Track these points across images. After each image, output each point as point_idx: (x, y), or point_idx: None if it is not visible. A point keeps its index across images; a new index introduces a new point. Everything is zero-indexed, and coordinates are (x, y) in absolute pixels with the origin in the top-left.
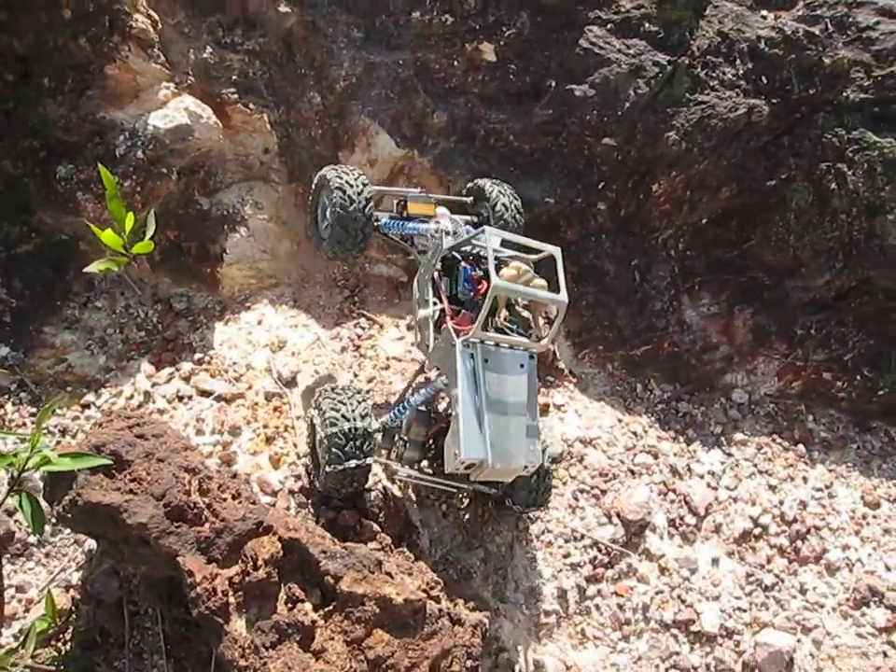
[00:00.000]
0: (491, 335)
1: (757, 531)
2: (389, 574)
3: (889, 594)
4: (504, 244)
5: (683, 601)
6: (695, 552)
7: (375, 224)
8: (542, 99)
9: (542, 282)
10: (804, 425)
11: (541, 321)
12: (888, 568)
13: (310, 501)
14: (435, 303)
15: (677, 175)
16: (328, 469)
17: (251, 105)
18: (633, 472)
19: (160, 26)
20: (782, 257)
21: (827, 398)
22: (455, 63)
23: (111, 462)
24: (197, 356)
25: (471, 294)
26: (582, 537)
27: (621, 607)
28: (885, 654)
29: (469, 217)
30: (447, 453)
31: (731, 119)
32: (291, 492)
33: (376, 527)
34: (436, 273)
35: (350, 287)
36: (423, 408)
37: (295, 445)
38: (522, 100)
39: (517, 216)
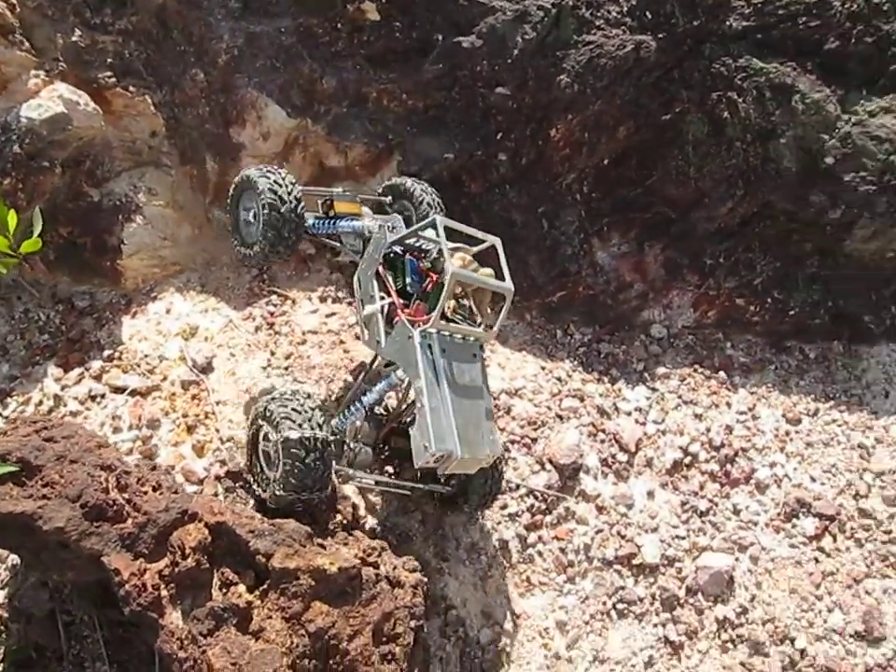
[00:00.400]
0: (447, 325)
1: (687, 460)
2: (322, 545)
3: (815, 503)
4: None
5: (623, 537)
6: (630, 487)
7: (304, 225)
8: (430, 54)
9: (489, 270)
10: (723, 352)
11: (487, 310)
12: (813, 479)
13: (237, 484)
14: (382, 298)
15: (573, 118)
16: (283, 492)
17: (131, 88)
18: (561, 417)
19: (17, 9)
20: (684, 189)
21: (742, 323)
22: (339, 25)
23: (18, 469)
24: (106, 353)
25: (420, 286)
26: (518, 487)
27: (563, 550)
28: (816, 560)
29: (393, 216)
30: (415, 447)
31: (620, 57)
32: (218, 477)
33: None
34: (380, 268)
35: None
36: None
37: (217, 431)
38: (410, 57)
39: (441, 211)
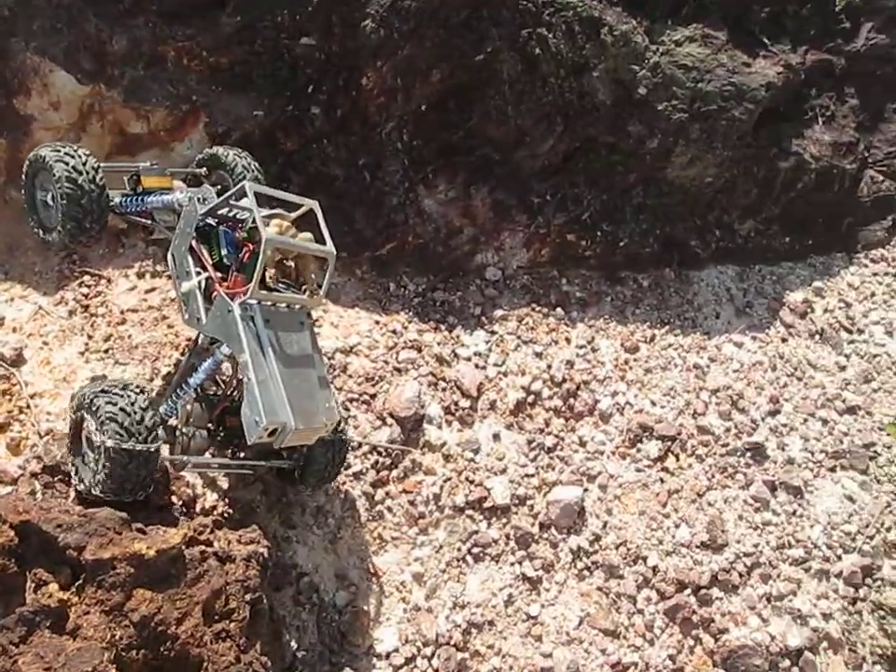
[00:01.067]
0: (268, 295)
1: (531, 399)
2: (141, 530)
3: (657, 426)
4: (259, 202)
5: (472, 482)
6: (475, 432)
7: (109, 205)
8: (228, 6)
9: (308, 235)
10: (559, 289)
11: (311, 275)
12: (653, 404)
13: (56, 479)
14: (198, 273)
15: (382, 64)
16: (101, 494)
17: None
18: (399, 370)
19: None
20: (505, 130)
21: (575, 259)
22: None
23: None
24: None
25: (237, 257)
26: (360, 445)
27: (412, 503)
28: (661, 481)
29: (204, 188)
30: (246, 423)
31: None
32: (34, 474)
33: None
34: (193, 242)
35: None
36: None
37: (34, 425)
38: (207, 10)
39: (259, 177)
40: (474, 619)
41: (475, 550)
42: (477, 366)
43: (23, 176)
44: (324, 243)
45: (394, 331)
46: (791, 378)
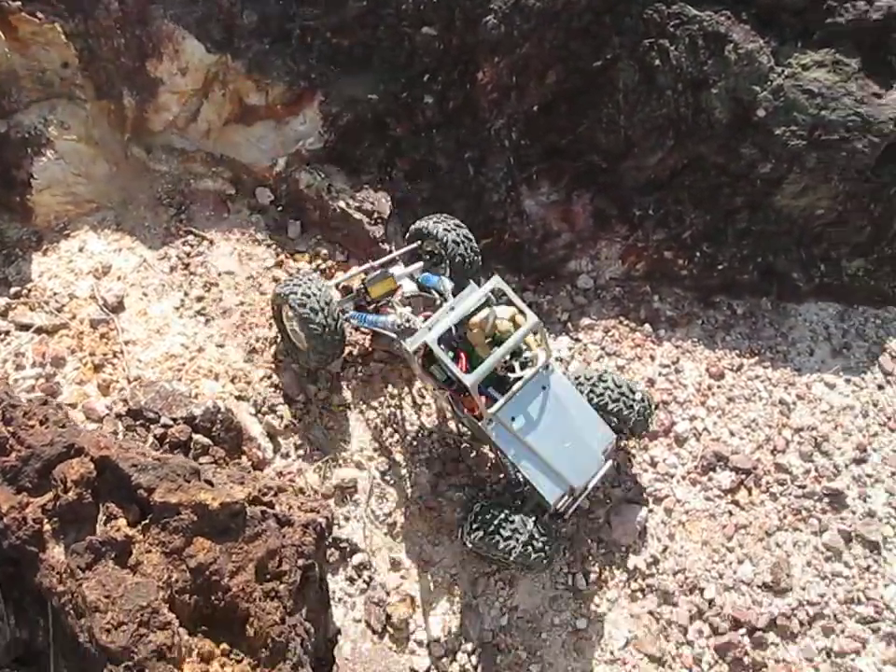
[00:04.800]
0: (510, 398)
1: None
2: (209, 482)
3: (733, 457)
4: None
5: None
6: None
7: (344, 318)
8: None
9: (509, 309)
10: (650, 305)
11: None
12: (732, 434)
13: (138, 423)
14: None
15: (500, 60)
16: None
17: (39, 15)
18: None
19: None
20: (615, 138)
21: (670, 277)
22: None
23: None
24: (14, 290)
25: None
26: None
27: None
28: (730, 513)
29: (421, 263)
30: (542, 503)
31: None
32: (119, 416)
33: (207, 441)
34: (419, 368)
35: (176, 204)
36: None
37: (125, 370)
38: None
39: (470, 245)
40: (519, 623)
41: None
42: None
43: (272, 310)
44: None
45: None
46: (882, 428)
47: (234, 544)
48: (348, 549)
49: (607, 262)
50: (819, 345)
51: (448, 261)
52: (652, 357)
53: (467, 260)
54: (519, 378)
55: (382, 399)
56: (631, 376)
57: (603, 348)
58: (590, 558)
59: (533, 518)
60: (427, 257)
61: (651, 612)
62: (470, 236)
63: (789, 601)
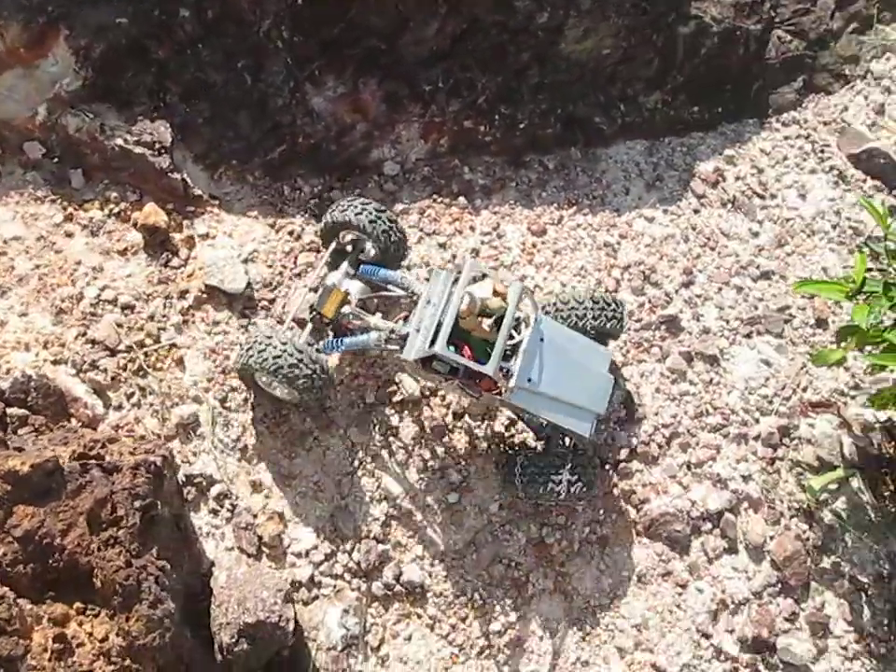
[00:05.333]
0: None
1: None
2: (18, 448)
3: None
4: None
5: (379, 378)
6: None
7: (318, 351)
8: None
9: (486, 282)
10: (461, 178)
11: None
12: (563, 285)
13: None
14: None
15: None
16: None
17: None
18: (298, 275)
19: None
20: (387, 17)
21: (476, 145)
22: None
23: None
24: None
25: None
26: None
27: (324, 406)
28: None
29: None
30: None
31: None
32: None
33: (22, 412)
34: (420, 369)
35: None
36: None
37: None
38: None
39: (387, 218)
40: (392, 511)
41: (390, 444)
42: None
43: (241, 380)
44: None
45: (291, 234)
46: (704, 249)
47: (58, 503)
48: (204, 483)
49: (409, 144)
50: (633, 183)
51: (375, 244)
52: (472, 228)
53: (392, 237)
54: (519, 342)
55: (207, 327)
56: (454, 250)
57: (422, 229)
58: (447, 434)
59: (570, 456)
60: (350, 247)
61: None
62: (382, 208)
63: (645, 428)
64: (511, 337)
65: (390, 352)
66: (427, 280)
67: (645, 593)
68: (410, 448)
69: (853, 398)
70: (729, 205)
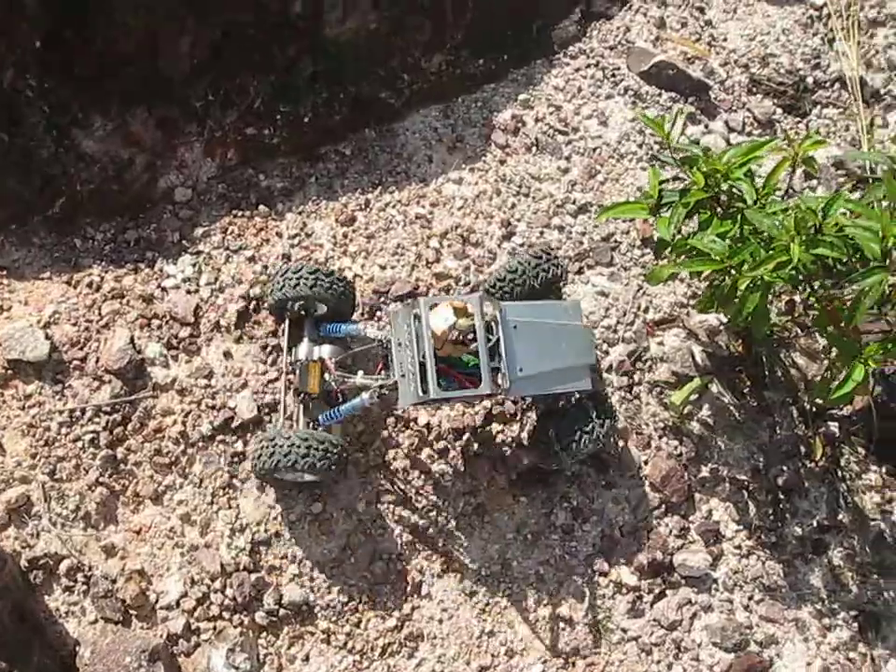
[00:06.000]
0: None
1: (253, 305)
2: None
3: (393, 287)
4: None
5: (214, 407)
6: (204, 357)
7: (322, 429)
8: None
9: (445, 308)
10: (258, 186)
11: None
12: (382, 268)
13: None
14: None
15: None
16: None
17: None
18: (105, 326)
19: None
20: (136, 41)
21: (266, 151)
22: None
23: None
24: None
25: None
26: (83, 412)
27: (159, 450)
28: None
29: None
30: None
31: None
32: None
33: None
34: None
35: None
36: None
37: None
38: None
39: (323, 274)
40: (258, 537)
41: (238, 472)
42: (189, 291)
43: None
44: None
45: (91, 286)
46: (517, 197)
47: None
48: (51, 562)
49: (196, 165)
50: (434, 149)
51: (324, 303)
52: (279, 234)
53: (334, 288)
54: (497, 342)
55: (20, 403)
56: (265, 261)
57: (227, 248)
58: None
59: (589, 403)
60: (302, 313)
61: None
62: (315, 267)
63: None
64: (488, 340)
65: (385, 403)
66: (388, 324)
67: (533, 548)
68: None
69: (693, 307)
70: (534, 149)
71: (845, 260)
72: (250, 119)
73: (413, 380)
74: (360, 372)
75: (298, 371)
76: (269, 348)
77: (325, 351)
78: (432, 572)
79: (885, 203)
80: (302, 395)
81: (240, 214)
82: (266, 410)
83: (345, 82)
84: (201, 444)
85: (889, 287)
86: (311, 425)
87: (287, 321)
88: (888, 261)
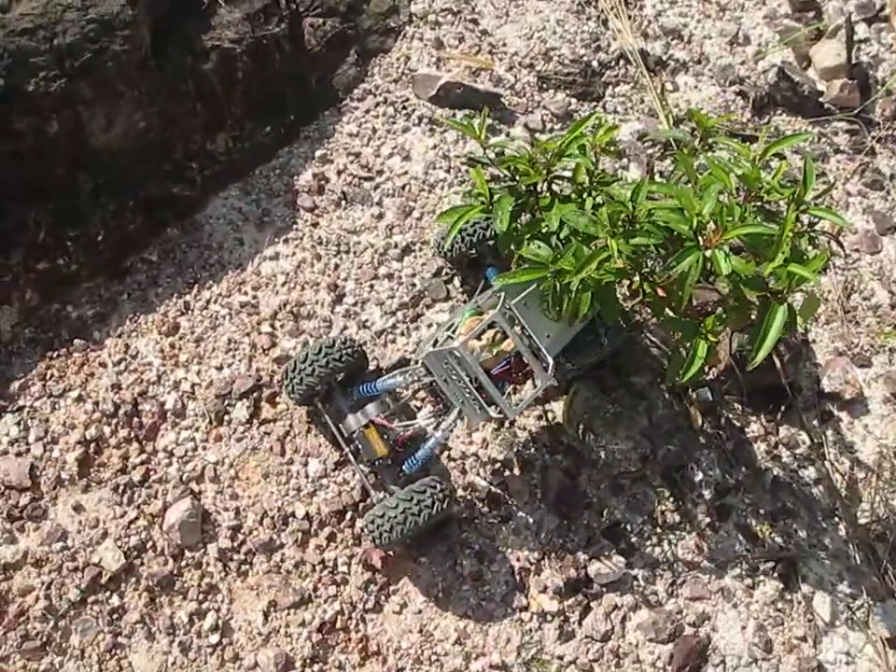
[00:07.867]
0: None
1: (93, 448)
2: None
3: (234, 386)
4: None
5: (78, 568)
6: (53, 519)
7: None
8: None
9: (469, 322)
10: (67, 320)
11: None
12: (219, 368)
13: None
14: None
15: None
16: None
17: None
18: None
19: None
20: None
21: (66, 281)
22: None
23: None
24: None
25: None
26: None
27: (26, 634)
28: (267, 434)
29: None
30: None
31: None
32: None
33: None
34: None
35: None
36: None
37: None
38: None
39: (335, 347)
40: None
41: (122, 628)
42: (19, 454)
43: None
44: None
45: None
46: (339, 256)
47: None
48: None
49: None
50: (243, 230)
51: (342, 371)
52: (103, 364)
53: (345, 350)
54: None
55: None
56: (94, 398)
57: (51, 395)
58: (177, 581)
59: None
60: (335, 387)
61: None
62: (317, 346)
63: None
64: (523, 330)
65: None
66: (419, 367)
67: (447, 605)
68: (141, 621)
69: None
70: (343, 203)
71: (663, 243)
72: (39, 254)
73: (475, 403)
74: (421, 414)
75: (361, 446)
76: (121, 487)
77: (370, 412)
78: (352, 664)
79: (686, 181)
80: (378, 463)
81: (55, 355)
82: (135, 553)
83: (130, 188)
84: (72, 613)
85: (708, 261)
86: (402, 478)
87: (319, 405)
88: (700, 239)
